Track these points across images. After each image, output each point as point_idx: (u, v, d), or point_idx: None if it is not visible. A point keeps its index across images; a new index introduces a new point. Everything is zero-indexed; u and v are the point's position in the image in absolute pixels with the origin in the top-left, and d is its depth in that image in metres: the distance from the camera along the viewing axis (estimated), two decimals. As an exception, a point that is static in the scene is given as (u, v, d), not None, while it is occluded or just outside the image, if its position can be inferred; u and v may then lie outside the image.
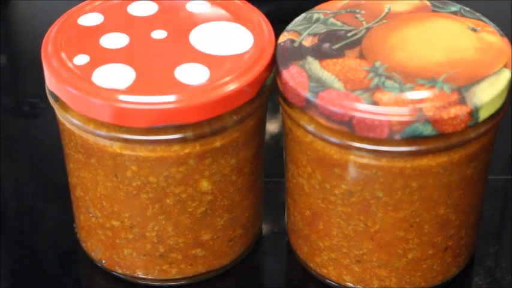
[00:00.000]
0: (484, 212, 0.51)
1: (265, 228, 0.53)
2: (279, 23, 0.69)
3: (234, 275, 0.51)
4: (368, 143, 0.44)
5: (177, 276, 0.50)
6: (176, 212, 0.48)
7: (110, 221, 0.49)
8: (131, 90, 0.44)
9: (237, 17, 0.49)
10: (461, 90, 0.44)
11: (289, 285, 0.52)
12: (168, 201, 0.47)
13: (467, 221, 0.49)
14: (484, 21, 0.48)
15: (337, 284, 0.50)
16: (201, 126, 0.45)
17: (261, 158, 0.50)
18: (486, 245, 0.52)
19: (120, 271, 0.50)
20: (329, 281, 0.50)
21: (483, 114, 0.44)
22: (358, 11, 0.49)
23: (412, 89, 0.44)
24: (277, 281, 0.52)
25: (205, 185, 0.47)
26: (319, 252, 0.49)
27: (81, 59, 0.46)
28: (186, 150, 0.46)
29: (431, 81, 0.45)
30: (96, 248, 0.51)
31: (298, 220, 0.50)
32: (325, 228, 0.48)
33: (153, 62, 0.46)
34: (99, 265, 0.51)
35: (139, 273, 0.50)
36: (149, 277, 0.50)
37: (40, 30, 0.52)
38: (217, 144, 0.46)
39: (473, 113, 0.44)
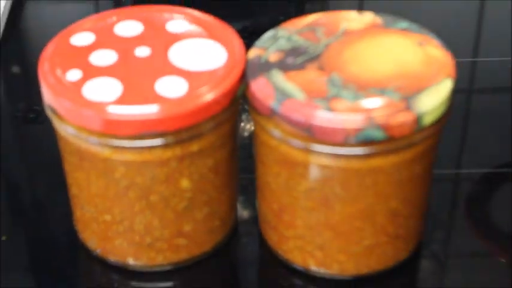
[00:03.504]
0: (430, 202, 0.50)
1: (240, 218, 0.52)
2: (254, 36, 0.69)
3: (213, 260, 0.50)
4: (326, 146, 0.43)
5: (163, 263, 0.49)
6: (160, 208, 0.46)
7: (102, 216, 0.47)
8: (118, 102, 0.43)
9: (211, 35, 0.47)
10: (408, 99, 0.43)
11: (261, 269, 0.51)
12: (152, 198, 0.46)
13: (416, 212, 0.48)
14: (430, 37, 0.47)
15: (302, 268, 0.49)
16: (180, 133, 0.44)
17: (235, 158, 0.49)
18: (432, 231, 0.51)
19: (113, 259, 0.49)
20: (295, 266, 0.49)
21: (427, 120, 0.43)
22: (318, 28, 0.48)
23: (364, 97, 0.43)
24: (251, 266, 0.51)
25: (185, 183, 0.46)
26: (285, 240, 0.48)
27: (74, 75, 0.45)
28: (168, 154, 0.44)
29: (381, 91, 0.43)
30: (91, 239, 0.49)
31: (267, 212, 0.49)
32: (290, 220, 0.47)
33: (138, 77, 0.45)
34: (95, 253, 0.50)
35: (129, 260, 0.49)
36: (138, 264, 0.49)
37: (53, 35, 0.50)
38: (195, 148, 0.45)
39: (419, 119, 0.43)
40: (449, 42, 0.47)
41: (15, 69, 0.69)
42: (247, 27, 0.70)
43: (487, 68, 0.66)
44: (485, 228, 0.52)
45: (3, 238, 0.52)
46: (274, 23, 0.71)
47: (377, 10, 0.72)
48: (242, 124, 0.58)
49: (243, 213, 0.53)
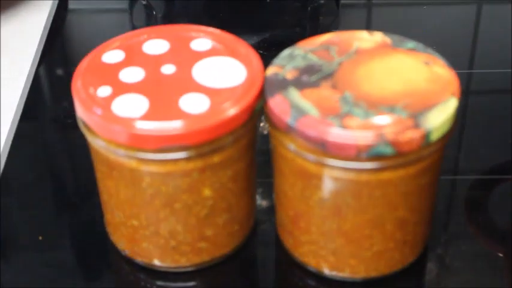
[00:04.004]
0: (436, 207, 0.49)
1: (258, 222, 0.51)
2: (272, 48, 0.68)
3: (233, 261, 0.49)
4: (339, 161, 0.42)
5: (186, 264, 0.48)
6: (184, 214, 0.45)
7: (130, 221, 0.46)
8: (144, 117, 0.42)
9: (232, 53, 0.46)
10: (416, 116, 0.42)
11: (278, 271, 0.50)
12: (176, 205, 0.45)
13: (422, 220, 0.46)
14: (435, 56, 0.45)
15: (316, 270, 0.48)
16: (202, 146, 0.43)
17: (253, 167, 0.47)
18: (438, 235, 0.50)
19: (140, 259, 0.48)
20: (310, 268, 0.48)
21: (434, 136, 0.42)
22: (331, 47, 0.46)
23: (375, 115, 0.42)
24: (268, 267, 0.50)
25: (206, 192, 0.45)
26: (301, 244, 0.47)
27: (104, 91, 0.44)
28: (190, 166, 0.43)
29: (391, 109, 0.42)
30: (120, 241, 0.48)
31: (283, 217, 0.48)
32: (305, 226, 0.46)
33: (163, 93, 0.43)
34: (124, 254, 0.49)
35: (155, 261, 0.48)
36: (163, 265, 0.48)
37: (93, 43, 0.49)
38: (216, 160, 0.44)
39: (426, 135, 0.41)
40: (445, 53, 0.46)
41: (59, 71, 0.68)
42: (265, 39, 0.68)
43: (483, 78, 0.64)
44: (488, 232, 0.51)
45: (40, 238, 0.51)
46: (290, 35, 0.71)
47: (382, 21, 0.71)
48: (262, 124, 0.56)
49: (262, 216, 0.51)
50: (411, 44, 0.46)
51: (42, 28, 0.70)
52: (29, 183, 0.56)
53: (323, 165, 0.42)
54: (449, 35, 0.68)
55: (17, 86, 0.64)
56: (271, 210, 0.50)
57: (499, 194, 0.54)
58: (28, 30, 0.70)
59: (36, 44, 0.68)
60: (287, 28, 0.71)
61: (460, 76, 0.45)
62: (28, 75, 0.65)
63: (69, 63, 0.70)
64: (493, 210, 0.52)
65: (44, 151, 0.60)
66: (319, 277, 0.48)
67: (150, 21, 0.75)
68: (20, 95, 0.63)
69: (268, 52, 0.67)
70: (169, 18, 0.74)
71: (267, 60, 0.47)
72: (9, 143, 0.58)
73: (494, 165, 0.56)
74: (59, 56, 0.70)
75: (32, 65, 0.66)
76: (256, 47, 0.67)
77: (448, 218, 0.52)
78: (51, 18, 0.72)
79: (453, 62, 0.46)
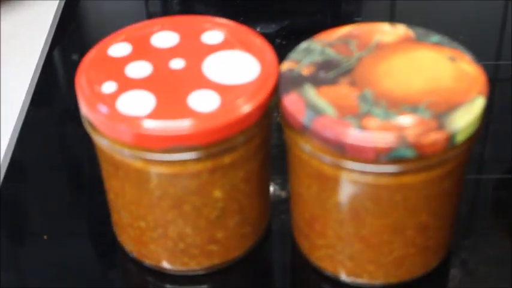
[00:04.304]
0: (459, 209, 0.46)
1: (272, 223, 0.48)
2: (291, 36, 0.65)
3: (245, 265, 0.46)
4: (357, 164, 0.39)
5: (196, 267, 0.45)
6: (193, 216, 0.43)
7: (137, 222, 0.44)
8: (151, 116, 0.39)
9: (245, 46, 0.44)
10: (440, 117, 0.39)
11: (293, 275, 0.47)
12: (185, 207, 0.43)
13: (445, 224, 0.44)
14: (461, 51, 0.43)
15: (333, 275, 0.45)
16: (212, 147, 0.40)
17: (266, 167, 0.45)
18: (461, 239, 0.47)
19: (147, 262, 0.46)
20: (326, 273, 0.45)
21: (459, 138, 0.39)
22: (351, 41, 0.43)
23: (396, 115, 0.39)
24: (282, 271, 0.48)
25: (217, 193, 0.42)
26: (317, 248, 0.45)
27: (109, 87, 0.41)
28: (199, 167, 0.41)
29: (413, 108, 0.39)
30: (128, 242, 0.46)
31: (299, 220, 0.45)
32: (321, 230, 0.44)
33: (171, 90, 0.41)
34: (131, 256, 0.46)
35: (163, 264, 0.45)
36: (172, 268, 0.45)
37: (107, 29, 0.47)
38: (227, 160, 0.41)
39: (451, 138, 0.39)
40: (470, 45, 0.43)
41: (75, 56, 0.66)
42: (284, 27, 0.65)
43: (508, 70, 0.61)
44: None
45: (45, 237, 0.49)
46: (311, 23, 0.68)
47: (407, 8, 0.68)
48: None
49: (276, 215, 0.49)
50: (436, 37, 0.43)
51: (53, 13, 0.68)
52: (36, 173, 0.54)
53: (340, 167, 0.40)
54: (475, 25, 0.65)
55: (27, 72, 0.62)
56: (287, 211, 0.47)
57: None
58: (40, 15, 0.68)
59: (47, 30, 0.66)
60: (307, 16, 0.68)
61: (487, 68, 0.42)
62: (39, 61, 0.63)
63: (82, 50, 0.68)
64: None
65: (53, 140, 0.58)
66: (336, 282, 0.45)
67: (166, 7, 0.72)
68: (30, 82, 0.61)
69: (287, 41, 0.65)
70: (186, 5, 0.72)
71: (285, 50, 0.44)
72: (18, 129, 0.56)
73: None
74: (71, 42, 0.68)
75: (43, 50, 0.64)
76: (275, 35, 0.65)
77: (472, 221, 0.49)
78: (63, 3, 0.70)
79: (479, 54, 0.43)
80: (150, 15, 0.71)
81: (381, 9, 0.69)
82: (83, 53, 0.44)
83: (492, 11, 0.68)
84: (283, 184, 0.50)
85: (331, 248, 0.44)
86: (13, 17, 0.68)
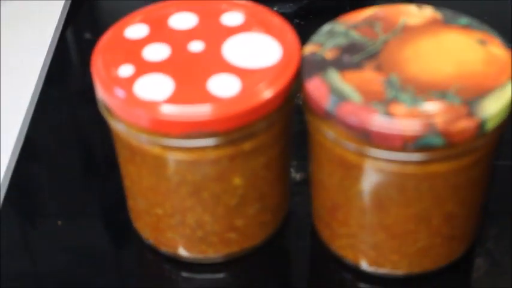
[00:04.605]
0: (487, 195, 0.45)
1: (292, 211, 0.47)
2: (310, 16, 0.63)
3: (264, 253, 0.45)
4: (383, 151, 0.38)
5: (214, 255, 0.44)
6: (212, 204, 0.42)
7: (154, 209, 0.43)
8: (169, 101, 0.38)
9: (266, 28, 0.42)
10: (470, 103, 0.37)
11: (313, 264, 0.46)
12: (204, 194, 0.41)
13: (472, 213, 0.42)
14: (491, 34, 0.41)
15: (354, 264, 0.44)
16: (232, 133, 0.39)
17: (287, 153, 0.44)
18: (487, 228, 0.46)
19: (164, 249, 0.45)
20: (347, 262, 0.44)
21: (490, 126, 0.38)
22: (376, 23, 0.42)
23: (424, 101, 0.37)
24: (302, 260, 0.46)
25: (237, 180, 0.41)
26: (338, 237, 0.43)
27: (126, 70, 0.40)
28: (219, 154, 0.39)
29: (442, 94, 0.38)
30: (144, 229, 0.45)
31: (320, 208, 0.44)
32: (344, 219, 0.42)
33: (190, 73, 0.40)
34: (147, 243, 0.45)
35: (181, 251, 0.44)
36: (189, 255, 0.44)
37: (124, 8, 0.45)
38: (247, 147, 0.40)
39: (481, 125, 0.37)
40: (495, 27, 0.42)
41: (87, 35, 0.65)
42: (303, 7, 0.64)
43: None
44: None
45: (59, 223, 0.47)
46: (330, 2, 0.66)
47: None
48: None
49: (296, 203, 0.47)
50: (465, 20, 0.42)
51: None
52: (50, 155, 0.52)
53: (365, 155, 0.38)
54: (498, 7, 0.63)
55: (41, 51, 0.60)
56: (308, 198, 0.46)
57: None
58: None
59: (61, 9, 0.65)
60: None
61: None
62: (52, 40, 0.62)
63: (96, 29, 0.66)
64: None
65: (67, 121, 0.56)
66: (357, 271, 0.44)
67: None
68: (43, 61, 0.59)
69: (306, 21, 0.63)
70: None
71: (304, 32, 0.42)
72: (33, 108, 0.55)
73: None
74: (85, 21, 0.67)
75: (56, 29, 0.63)
76: (293, 15, 0.63)
77: (498, 209, 0.48)
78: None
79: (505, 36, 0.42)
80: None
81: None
82: (97, 32, 0.43)
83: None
84: (301, 168, 0.49)
85: (353, 237, 0.43)
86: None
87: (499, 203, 0.48)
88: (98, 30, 0.62)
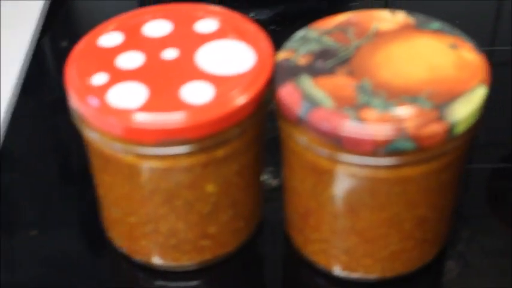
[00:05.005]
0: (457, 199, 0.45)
1: (265, 218, 0.47)
2: (285, 23, 0.63)
3: (238, 260, 0.45)
4: (355, 156, 0.38)
5: (187, 263, 0.44)
6: (185, 211, 0.42)
7: (128, 217, 0.43)
8: (143, 109, 0.38)
9: (240, 35, 0.42)
10: (441, 108, 0.38)
11: (285, 269, 0.46)
12: (177, 202, 0.41)
13: (444, 216, 0.43)
14: (463, 39, 0.42)
15: (327, 270, 0.44)
16: (206, 140, 0.39)
17: (260, 160, 0.44)
18: (458, 230, 0.46)
19: (138, 257, 0.45)
20: (320, 267, 0.44)
21: (459, 129, 0.38)
22: (348, 29, 0.42)
23: (395, 106, 0.38)
24: (275, 265, 0.46)
25: (210, 188, 0.41)
26: (311, 243, 0.44)
27: (100, 79, 0.40)
28: (192, 161, 0.40)
29: (413, 99, 0.38)
30: (118, 238, 0.45)
31: (292, 214, 0.44)
32: (316, 224, 0.43)
33: (163, 81, 0.40)
34: (121, 251, 0.45)
35: (154, 260, 0.44)
36: (163, 263, 0.44)
37: (100, 15, 0.45)
38: (221, 154, 0.40)
39: (451, 129, 0.38)
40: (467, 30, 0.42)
41: (64, 43, 0.65)
42: (279, 13, 0.64)
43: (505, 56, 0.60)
44: None
45: (34, 233, 0.47)
46: (306, 8, 0.66)
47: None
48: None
49: (269, 210, 0.48)
50: (436, 24, 0.42)
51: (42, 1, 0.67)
52: (25, 164, 0.52)
53: (337, 161, 0.39)
54: (470, 10, 0.64)
55: (17, 60, 0.60)
56: (280, 205, 0.46)
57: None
58: (29, 2, 0.67)
59: (37, 17, 0.65)
60: (302, 0, 0.67)
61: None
62: (28, 48, 0.61)
63: (72, 37, 0.66)
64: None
65: (43, 130, 0.56)
66: (330, 277, 0.44)
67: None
68: (19, 70, 0.59)
69: (281, 27, 0.64)
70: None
71: (280, 37, 0.43)
72: (9, 117, 0.55)
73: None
74: (62, 29, 0.66)
75: (33, 38, 0.62)
76: (269, 22, 0.64)
77: (468, 211, 0.48)
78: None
79: (475, 39, 0.42)
80: (142, 1, 0.70)
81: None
82: (74, 40, 0.43)
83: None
84: (275, 174, 0.49)
85: (326, 242, 0.43)
86: (1, 5, 0.66)
87: (470, 205, 0.49)
88: (75, 39, 0.62)
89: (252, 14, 0.62)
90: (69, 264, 0.46)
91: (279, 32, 0.43)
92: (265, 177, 0.49)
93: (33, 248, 0.46)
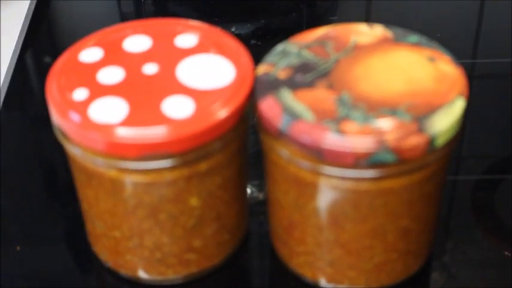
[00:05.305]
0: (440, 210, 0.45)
1: (250, 231, 0.47)
2: (267, 36, 0.64)
3: (223, 273, 0.45)
4: (336, 169, 0.38)
5: (173, 276, 0.44)
6: (169, 225, 0.42)
7: (112, 232, 0.43)
8: (124, 123, 0.38)
9: (220, 49, 0.43)
10: (420, 120, 0.38)
11: (272, 282, 0.46)
12: (161, 216, 0.42)
13: (427, 228, 0.43)
14: (441, 51, 0.42)
15: (312, 282, 0.44)
16: (188, 154, 0.39)
17: (244, 172, 0.44)
18: (442, 242, 0.47)
19: (123, 272, 0.45)
20: (305, 280, 0.44)
21: (440, 142, 0.38)
22: (327, 43, 0.43)
23: (375, 118, 0.38)
24: (261, 278, 0.47)
25: (194, 201, 0.41)
26: (296, 255, 0.44)
27: (81, 94, 0.40)
28: (175, 175, 0.40)
29: (392, 111, 0.39)
30: (103, 252, 0.45)
31: (277, 226, 0.44)
32: (300, 237, 0.43)
33: (144, 96, 0.40)
34: (107, 266, 0.45)
35: (140, 274, 0.44)
36: (149, 277, 0.44)
37: (81, 29, 0.45)
38: (203, 167, 0.40)
39: (431, 141, 0.38)
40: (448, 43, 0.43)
41: (47, 59, 0.65)
42: (260, 27, 0.64)
43: (486, 69, 0.60)
44: (497, 235, 0.47)
45: (18, 248, 0.47)
46: (286, 22, 0.67)
47: (379, 9, 0.66)
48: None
49: (254, 222, 0.48)
50: (414, 37, 0.43)
51: (25, 14, 0.67)
52: (7, 180, 0.52)
53: (319, 173, 0.39)
54: (451, 23, 0.65)
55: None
56: (265, 217, 0.46)
57: (505, 193, 0.50)
58: (11, 16, 0.67)
59: (18, 31, 0.65)
60: (282, 15, 0.67)
61: (463, 66, 0.42)
62: (10, 63, 0.62)
63: (54, 52, 0.66)
64: (500, 212, 0.49)
65: (25, 145, 0.56)
66: (316, 289, 0.45)
67: (139, 8, 0.71)
68: (1, 85, 0.59)
69: (262, 41, 0.64)
70: (159, 5, 0.70)
71: (261, 51, 0.43)
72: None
73: (499, 161, 0.53)
74: (43, 44, 0.67)
75: (14, 52, 0.63)
76: (250, 36, 0.64)
77: (452, 223, 0.49)
78: (34, 3, 0.68)
79: (456, 52, 0.43)
80: (123, 16, 0.70)
81: (357, 7, 0.68)
82: (55, 55, 0.43)
83: (467, 8, 0.67)
84: (261, 187, 0.49)
85: (311, 255, 0.43)
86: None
87: (455, 217, 0.49)
88: (56, 54, 0.63)
89: (233, 29, 0.62)
90: (55, 280, 0.46)
91: (260, 46, 0.43)
92: (250, 190, 0.49)
93: (17, 263, 0.46)
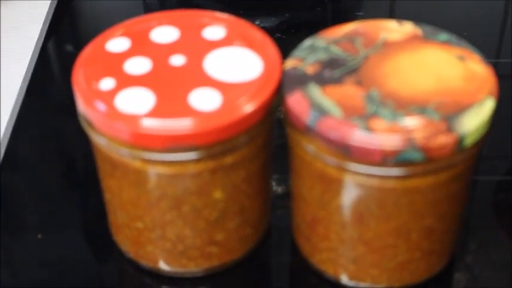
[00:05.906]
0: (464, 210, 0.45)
1: (273, 225, 0.47)
2: (291, 30, 0.64)
3: (244, 267, 0.45)
4: (363, 166, 0.38)
5: (194, 269, 0.44)
6: (192, 218, 0.42)
7: (134, 223, 0.43)
8: (150, 114, 0.38)
9: (248, 42, 0.42)
10: (449, 119, 0.38)
11: (293, 278, 0.46)
12: (184, 208, 0.41)
13: (451, 228, 0.43)
14: (471, 50, 0.41)
15: (334, 279, 0.44)
16: (213, 147, 0.39)
17: (268, 166, 0.44)
18: (466, 242, 0.46)
19: (144, 263, 0.45)
20: (327, 276, 0.44)
21: (468, 141, 0.38)
22: (356, 38, 0.42)
23: (403, 116, 0.38)
24: (281, 273, 0.46)
25: (218, 194, 0.41)
26: (318, 251, 0.43)
27: (107, 84, 0.40)
28: (200, 167, 0.40)
29: (421, 110, 0.38)
30: (124, 243, 0.45)
31: (300, 223, 0.44)
32: (324, 233, 0.42)
33: (171, 87, 0.40)
34: (128, 256, 0.45)
35: (161, 265, 0.44)
36: (170, 269, 0.44)
37: (106, 21, 0.45)
38: (229, 161, 0.40)
39: (459, 141, 0.37)
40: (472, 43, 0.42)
41: (69, 47, 0.65)
42: (284, 21, 0.64)
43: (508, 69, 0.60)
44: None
45: (40, 236, 0.47)
46: (311, 16, 0.66)
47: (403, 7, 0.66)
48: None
49: (277, 216, 0.48)
50: (444, 36, 0.42)
51: (49, 5, 0.67)
52: (30, 168, 0.52)
53: (345, 170, 0.39)
54: (475, 22, 0.64)
55: (23, 64, 0.60)
56: (289, 212, 0.46)
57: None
58: (35, 7, 0.67)
59: (42, 22, 0.65)
60: (307, 9, 0.67)
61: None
62: (33, 52, 0.61)
63: (77, 42, 0.66)
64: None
65: (48, 133, 0.56)
66: (337, 286, 0.44)
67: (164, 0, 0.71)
68: (25, 73, 0.59)
69: (286, 35, 0.64)
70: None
71: (285, 46, 0.43)
72: (13, 120, 0.55)
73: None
74: (67, 34, 0.67)
75: (38, 42, 0.63)
76: (275, 29, 0.64)
77: (475, 223, 0.48)
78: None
79: (482, 50, 0.42)
80: (147, 7, 0.70)
81: (381, 4, 0.67)
82: (79, 45, 0.43)
83: (492, 7, 0.66)
84: (280, 181, 0.49)
85: (333, 251, 0.43)
86: (7, 10, 0.66)
87: (478, 217, 0.48)
88: (80, 43, 0.62)
89: (257, 22, 0.62)
90: (75, 269, 0.46)
91: (284, 39, 0.43)
92: (272, 184, 0.49)
93: (38, 251, 0.46)
